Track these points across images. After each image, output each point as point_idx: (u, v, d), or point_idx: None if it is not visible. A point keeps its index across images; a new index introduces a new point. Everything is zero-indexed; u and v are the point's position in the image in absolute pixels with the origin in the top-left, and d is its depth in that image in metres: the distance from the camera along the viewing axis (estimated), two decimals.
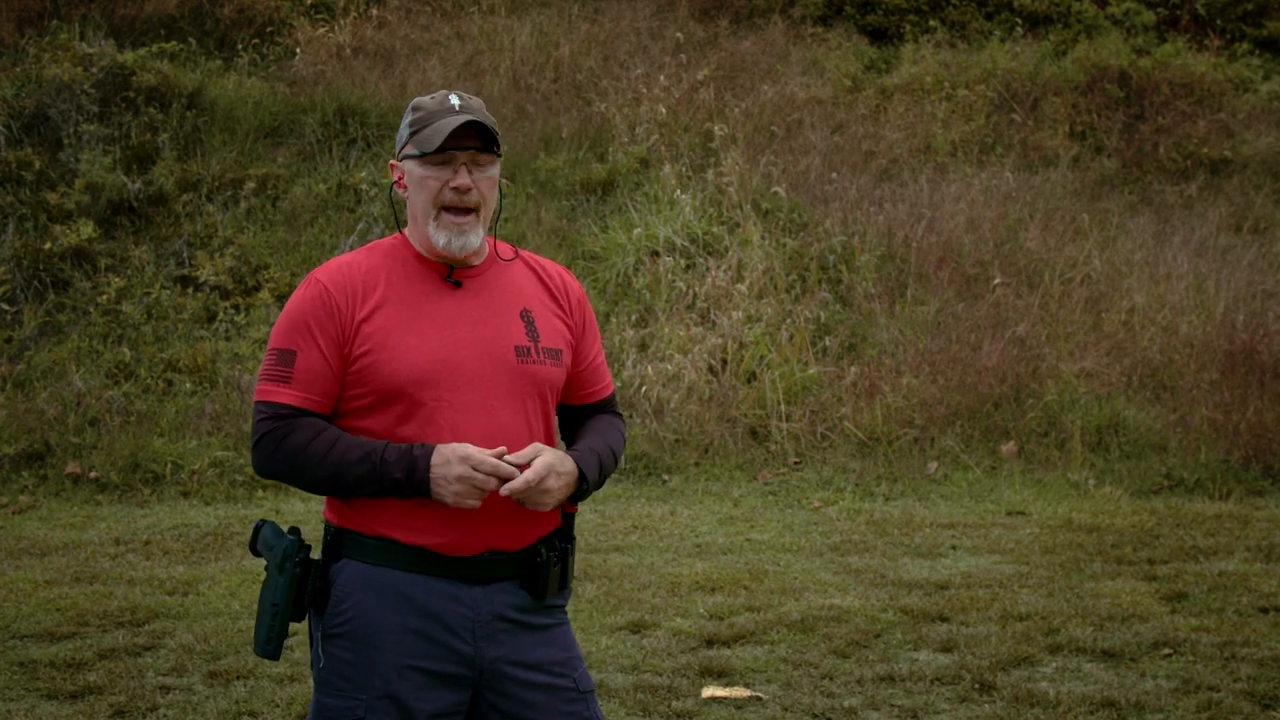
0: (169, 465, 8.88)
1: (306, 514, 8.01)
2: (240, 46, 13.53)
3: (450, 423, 2.74)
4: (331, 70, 13.24)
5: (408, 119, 2.84)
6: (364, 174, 11.78)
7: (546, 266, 2.99)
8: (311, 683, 5.17)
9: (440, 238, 2.80)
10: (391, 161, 2.89)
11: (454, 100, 2.82)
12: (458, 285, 2.85)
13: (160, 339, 10.23)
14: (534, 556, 2.82)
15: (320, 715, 2.79)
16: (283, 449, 2.75)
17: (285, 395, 2.76)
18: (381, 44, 13.79)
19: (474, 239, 2.82)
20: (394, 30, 13.99)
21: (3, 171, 11.35)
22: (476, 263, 2.88)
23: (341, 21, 14.05)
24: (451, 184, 2.79)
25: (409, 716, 2.74)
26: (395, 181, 2.89)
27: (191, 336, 10.26)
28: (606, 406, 3.05)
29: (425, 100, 2.85)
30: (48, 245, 10.68)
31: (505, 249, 2.95)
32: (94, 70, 11.96)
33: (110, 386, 9.67)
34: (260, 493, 8.69)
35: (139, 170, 11.60)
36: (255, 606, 6.19)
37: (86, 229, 10.78)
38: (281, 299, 10.68)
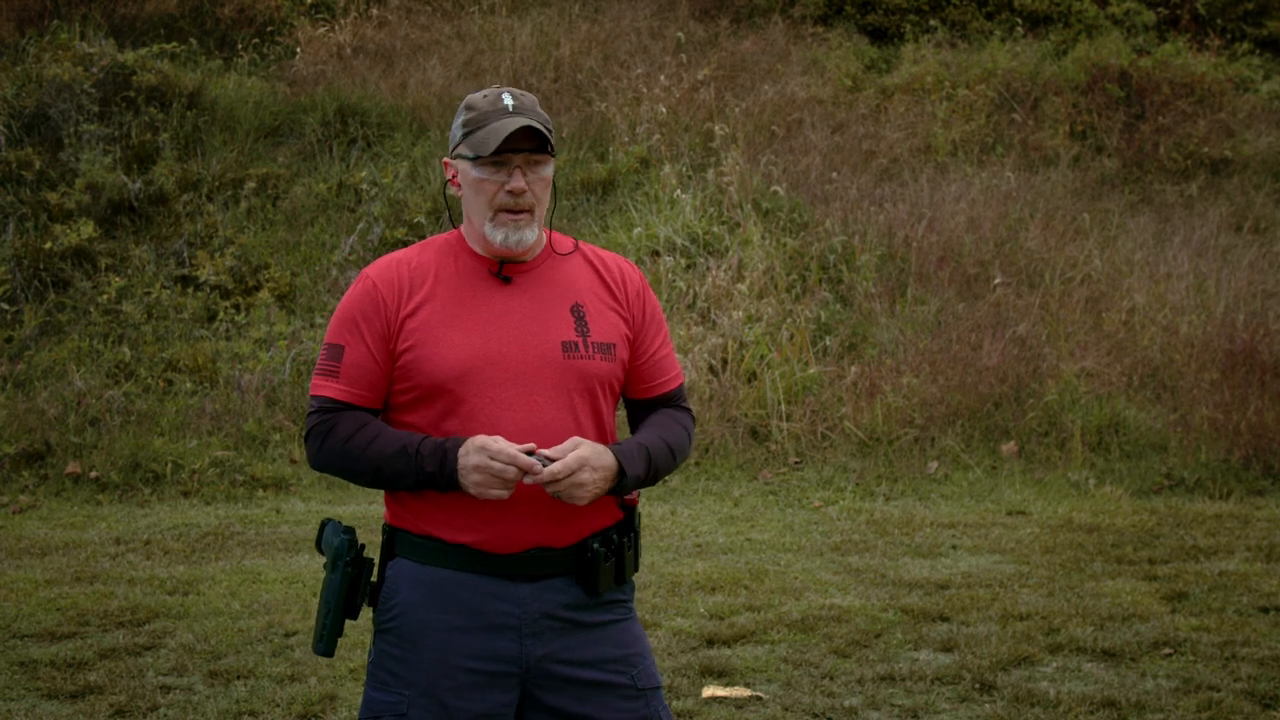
0: (169, 465, 8.88)
1: (307, 513, 8.01)
2: (240, 46, 13.53)
3: (492, 419, 2.73)
4: (332, 70, 13.24)
5: (461, 118, 2.83)
6: (364, 174, 11.78)
7: (605, 259, 2.96)
8: (313, 682, 5.19)
9: (498, 235, 2.79)
10: (445, 159, 2.89)
11: (507, 100, 2.80)
12: (508, 281, 2.84)
13: (160, 338, 10.23)
14: (584, 551, 2.80)
15: (366, 708, 2.81)
16: (328, 443, 2.78)
17: (332, 389, 2.80)
18: (382, 43, 13.79)
19: (530, 235, 2.81)
20: (394, 30, 13.99)
21: (3, 171, 11.35)
22: (529, 258, 2.87)
23: (342, 21, 14.05)
24: (507, 187, 2.78)
25: (450, 715, 2.74)
26: (449, 179, 2.89)
27: (192, 336, 10.27)
28: (674, 399, 3.00)
29: (478, 99, 2.83)
30: (48, 245, 10.68)
31: (563, 242, 2.93)
32: (94, 70, 11.97)
33: (110, 386, 9.67)
34: (260, 492, 8.69)
35: (139, 170, 11.61)
36: (255, 605, 6.20)
37: (87, 228, 10.78)
38: (282, 299, 10.70)
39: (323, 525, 2.88)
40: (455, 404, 2.76)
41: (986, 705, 5.03)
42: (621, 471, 2.75)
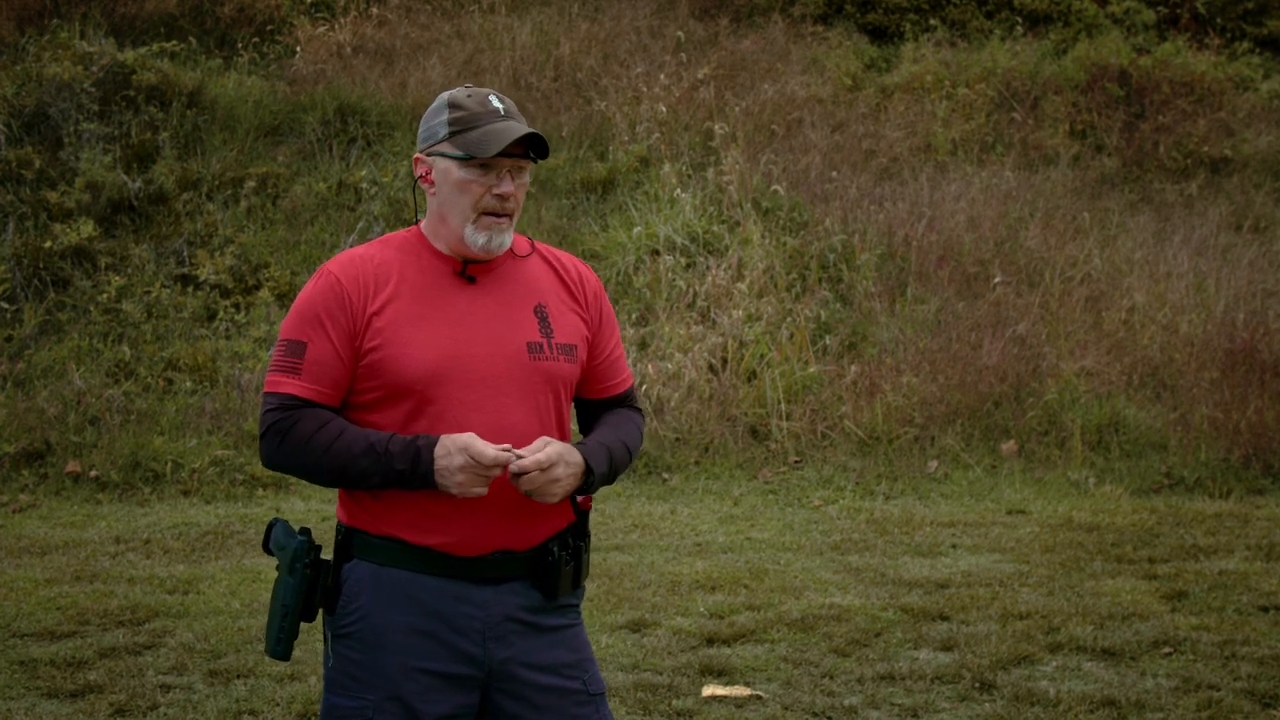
0: (169, 464, 8.88)
1: (307, 513, 8.01)
2: (240, 45, 13.53)
3: (459, 420, 2.72)
4: (332, 69, 13.24)
5: (444, 115, 2.80)
6: (364, 173, 11.78)
7: (563, 260, 2.96)
8: (313, 681, 5.18)
9: (479, 238, 2.78)
10: (417, 155, 2.86)
11: (496, 102, 2.79)
12: (471, 281, 2.83)
13: (160, 338, 10.23)
14: (545, 555, 2.80)
15: (329, 715, 2.79)
16: (289, 440, 2.73)
17: (293, 386, 2.74)
18: (382, 43, 13.78)
19: (508, 239, 2.82)
20: (394, 29, 13.99)
21: (3, 170, 11.34)
22: (489, 258, 2.86)
23: (342, 20, 14.05)
24: (495, 190, 2.77)
25: (415, 718, 2.73)
26: (421, 176, 2.86)
27: (192, 335, 10.26)
28: (625, 400, 3.02)
29: (463, 98, 2.81)
30: (48, 244, 10.68)
31: (521, 244, 2.93)
32: (94, 69, 11.96)
33: (110, 385, 9.67)
34: (260, 491, 8.69)
35: (139, 169, 11.60)
36: (255, 605, 6.19)
37: (87, 228, 10.78)
38: (282, 298, 10.68)
39: (270, 525, 2.85)
40: (423, 404, 2.73)
41: (986, 704, 5.03)
42: (589, 469, 2.77)
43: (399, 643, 2.74)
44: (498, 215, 2.78)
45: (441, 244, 2.84)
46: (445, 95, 2.84)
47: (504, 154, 2.76)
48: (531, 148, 2.79)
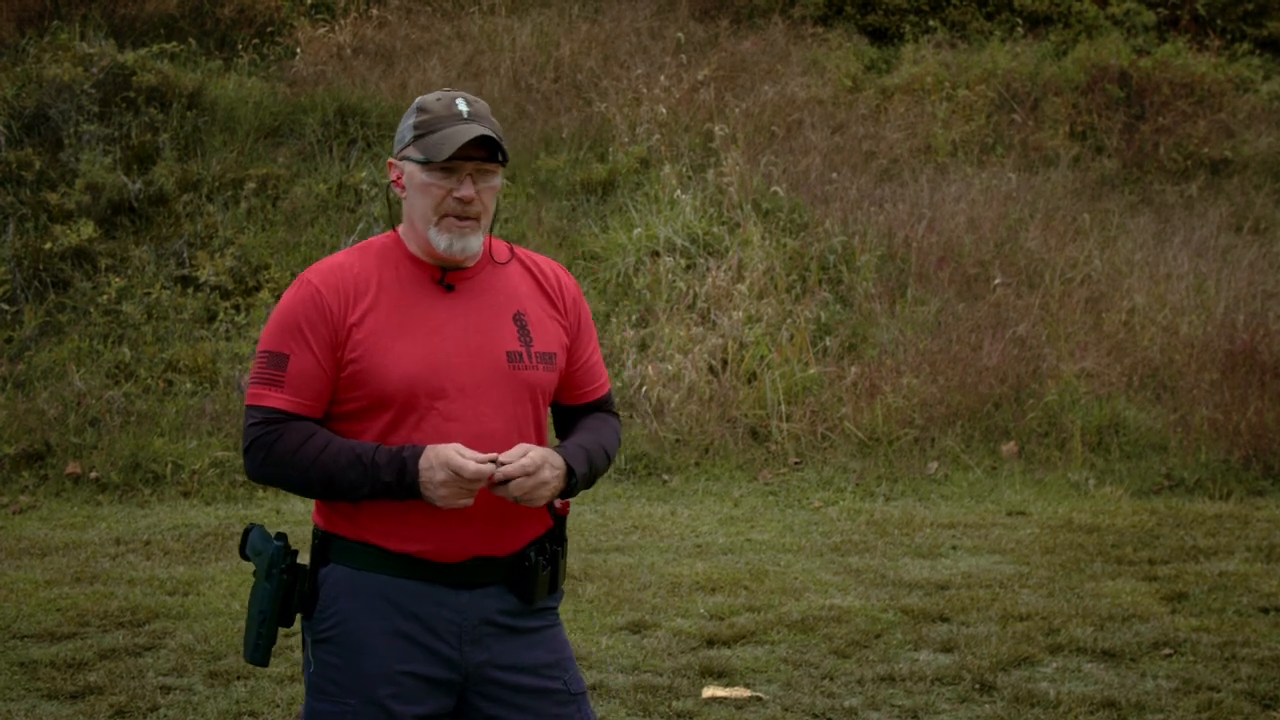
0: (169, 465, 8.88)
1: (306, 514, 8.01)
2: (240, 46, 13.53)
3: (439, 429, 2.72)
4: (332, 70, 13.24)
5: (411, 119, 2.79)
6: (364, 174, 11.78)
7: (541, 265, 2.95)
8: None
9: (441, 241, 2.77)
10: (390, 160, 2.85)
11: (461, 105, 2.77)
12: (450, 289, 2.82)
13: (160, 339, 10.23)
14: (522, 561, 2.80)
15: (311, 719, 2.79)
16: (274, 453, 2.72)
17: (276, 399, 2.73)
18: (382, 44, 13.79)
19: (475, 243, 2.79)
20: (394, 30, 13.99)
21: (3, 171, 11.34)
22: (469, 265, 2.84)
23: (342, 21, 14.05)
24: (455, 194, 2.75)
25: None
26: (393, 180, 2.85)
27: (192, 336, 10.26)
28: (602, 406, 3.02)
29: (431, 102, 2.79)
30: (48, 245, 10.68)
31: (500, 250, 2.92)
32: (94, 70, 11.96)
33: (110, 386, 9.67)
34: (260, 493, 8.69)
35: (139, 170, 11.60)
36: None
37: (87, 229, 10.78)
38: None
39: (246, 531, 2.85)
40: (404, 414, 2.73)
41: (986, 705, 5.03)
42: (570, 471, 2.77)
43: (378, 646, 2.74)
44: (460, 219, 2.76)
45: (416, 249, 2.82)
46: (419, 99, 2.84)
47: (465, 157, 2.74)
48: (490, 149, 2.77)
